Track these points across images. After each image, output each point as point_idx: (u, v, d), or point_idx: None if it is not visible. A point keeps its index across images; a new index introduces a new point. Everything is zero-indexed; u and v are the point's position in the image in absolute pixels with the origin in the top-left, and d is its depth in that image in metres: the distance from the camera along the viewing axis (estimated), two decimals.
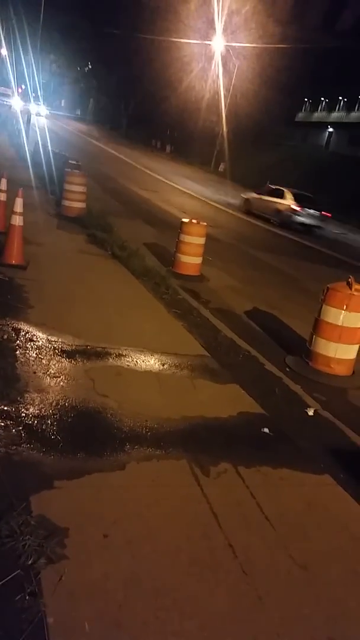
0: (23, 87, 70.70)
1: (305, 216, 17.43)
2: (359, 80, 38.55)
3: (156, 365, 4.42)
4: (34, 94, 52.76)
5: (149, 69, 47.68)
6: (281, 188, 18.47)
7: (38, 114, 46.08)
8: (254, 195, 19.11)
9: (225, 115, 38.06)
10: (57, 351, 4.23)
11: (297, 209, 17.32)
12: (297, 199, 17.73)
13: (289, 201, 17.58)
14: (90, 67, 75.23)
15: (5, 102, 58.80)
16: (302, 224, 17.31)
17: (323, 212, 17.95)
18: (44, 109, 52.62)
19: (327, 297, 5.06)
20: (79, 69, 79.24)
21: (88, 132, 52.48)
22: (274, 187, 18.83)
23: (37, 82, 61.53)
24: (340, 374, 5.11)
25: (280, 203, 17.72)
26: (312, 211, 17.56)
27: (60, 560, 2.23)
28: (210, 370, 4.54)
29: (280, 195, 17.95)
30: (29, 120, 24.64)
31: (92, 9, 59.54)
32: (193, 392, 4.10)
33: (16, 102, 45.74)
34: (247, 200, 19.31)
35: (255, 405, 4.06)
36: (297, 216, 17.31)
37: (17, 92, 69.71)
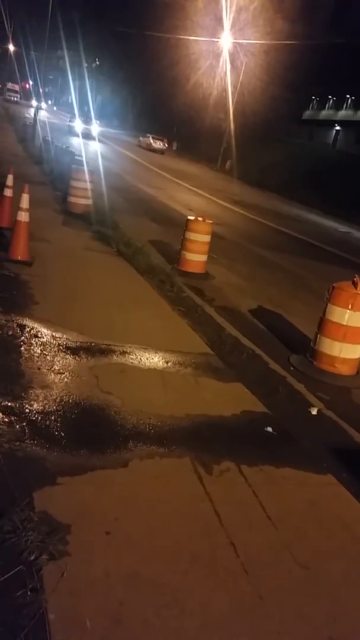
0: (31, 83, 70.55)
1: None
2: None
3: (160, 362, 4.42)
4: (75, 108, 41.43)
5: (157, 66, 47.61)
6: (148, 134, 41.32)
7: (86, 134, 34.14)
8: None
9: (233, 113, 37.95)
10: (61, 348, 4.24)
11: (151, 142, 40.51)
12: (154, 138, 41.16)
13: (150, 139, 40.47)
14: (97, 63, 75.15)
15: (13, 98, 58.70)
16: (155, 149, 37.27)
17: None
18: (96, 127, 37.42)
19: (332, 296, 5.04)
20: (86, 65, 79.20)
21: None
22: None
23: (88, 96, 51.70)
24: (345, 373, 5.10)
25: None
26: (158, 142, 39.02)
27: (62, 556, 2.23)
28: (214, 368, 4.54)
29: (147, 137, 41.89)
30: (36, 116, 24.49)
31: (101, 5, 59.42)
32: (197, 390, 4.10)
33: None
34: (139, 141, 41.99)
35: (259, 404, 4.06)
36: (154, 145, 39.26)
37: (25, 88, 69.44)
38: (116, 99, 68.39)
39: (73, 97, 48.41)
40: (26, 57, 61.59)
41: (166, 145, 44.82)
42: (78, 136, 31.87)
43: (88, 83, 52.35)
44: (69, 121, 38.84)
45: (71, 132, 34.72)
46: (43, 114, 47.12)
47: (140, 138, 45.18)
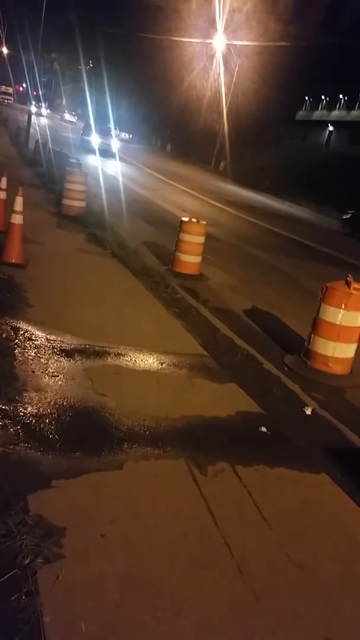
0: (24, 86, 70.37)
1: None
2: (359, 78, 38.45)
3: (155, 364, 4.43)
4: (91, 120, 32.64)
5: (150, 68, 47.63)
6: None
7: (104, 151, 27.91)
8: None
9: (226, 114, 38.03)
10: (55, 350, 4.23)
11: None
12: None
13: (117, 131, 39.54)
14: (91, 65, 75.08)
15: (6, 101, 58.53)
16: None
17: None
18: (116, 143, 30.63)
19: (326, 296, 5.06)
20: (79, 67, 79.12)
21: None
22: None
23: (108, 104, 44.40)
24: (339, 372, 5.12)
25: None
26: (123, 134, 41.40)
27: (57, 559, 2.23)
28: (209, 369, 4.55)
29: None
30: (29, 119, 24.35)
31: (94, 7, 59.31)
32: (191, 391, 4.10)
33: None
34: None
35: (253, 405, 4.06)
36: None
37: (19, 91, 68.76)
38: (111, 102, 68.34)
39: (89, 106, 41.37)
40: (20, 60, 61.41)
41: (130, 135, 56.53)
42: (95, 153, 26.17)
43: (108, 89, 47.35)
44: (84, 134, 31.79)
45: (85, 147, 28.41)
46: (43, 122, 41.73)
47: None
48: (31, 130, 22.98)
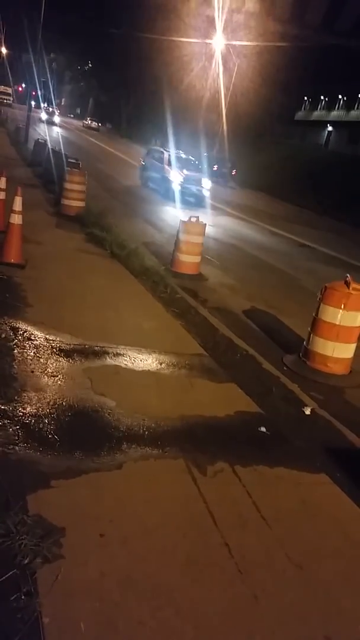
0: (23, 86, 70.20)
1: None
2: (358, 78, 38.51)
3: (154, 364, 4.42)
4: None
5: (149, 68, 47.63)
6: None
7: (191, 195, 17.24)
8: None
9: (226, 114, 38.00)
10: (55, 350, 4.23)
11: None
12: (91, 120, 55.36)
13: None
14: (90, 66, 75.13)
15: (5, 101, 58.14)
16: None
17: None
18: (207, 182, 18.23)
19: (325, 296, 5.06)
20: (78, 67, 79.20)
21: (89, 132, 52.22)
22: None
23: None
24: (338, 372, 5.12)
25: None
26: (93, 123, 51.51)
27: (56, 559, 2.23)
28: (208, 369, 4.55)
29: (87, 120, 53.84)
30: (28, 119, 24.29)
31: (93, 7, 59.29)
32: (191, 391, 4.10)
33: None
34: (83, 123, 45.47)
35: (253, 405, 4.06)
36: None
37: (19, 91, 68.11)
38: (110, 102, 68.29)
39: (169, 125, 28.92)
40: (19, 59, 61.24)
41: (100, 125, 61.18)
42: (173, 200, 16.35)
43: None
44: (148, 168, 19.27)
45: (154, 189, 18.10)
46: (56, 133, 35.54)
47: (84, 121, 62.53)
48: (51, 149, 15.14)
